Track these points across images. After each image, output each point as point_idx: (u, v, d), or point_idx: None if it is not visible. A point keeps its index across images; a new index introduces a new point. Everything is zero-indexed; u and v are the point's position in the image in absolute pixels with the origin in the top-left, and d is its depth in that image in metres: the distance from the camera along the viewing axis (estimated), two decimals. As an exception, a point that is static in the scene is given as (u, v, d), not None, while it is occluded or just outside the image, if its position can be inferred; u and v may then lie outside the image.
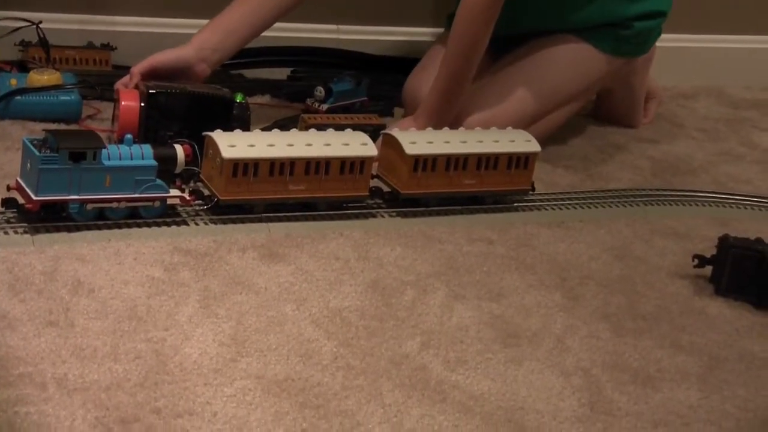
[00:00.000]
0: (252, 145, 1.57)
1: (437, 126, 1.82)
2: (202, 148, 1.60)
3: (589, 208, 1.84)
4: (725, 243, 1.60)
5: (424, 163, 1.69)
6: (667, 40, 2.31)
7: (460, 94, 1.90)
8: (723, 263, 1.59)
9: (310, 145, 1.62)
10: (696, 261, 1.62)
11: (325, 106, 2.01)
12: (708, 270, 1.62)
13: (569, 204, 1.84)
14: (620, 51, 2.07)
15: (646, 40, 2.11)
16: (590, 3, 2.03)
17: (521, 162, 1.76)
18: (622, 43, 2.06)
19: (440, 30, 2.21)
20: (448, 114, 1.90)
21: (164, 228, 1.52)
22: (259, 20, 1.90)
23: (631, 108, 2.30)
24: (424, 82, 2.06)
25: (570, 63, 2.04)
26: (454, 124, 1.89)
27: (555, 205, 1.82)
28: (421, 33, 2.38)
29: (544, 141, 1.89)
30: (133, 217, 1.51)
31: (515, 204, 1.80)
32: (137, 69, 1.80)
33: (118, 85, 1.81)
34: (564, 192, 1.89)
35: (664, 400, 1.31)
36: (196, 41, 1.85)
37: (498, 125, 1.85)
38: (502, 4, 1.85)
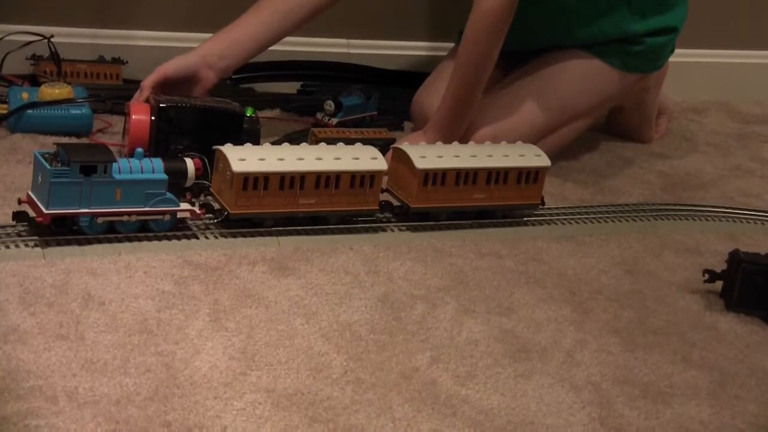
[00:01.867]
0: (262, 159, 1.58)
1: (446, 140, 1.82)
2: (212, 161, 1.61)
3: (599, 222, 1.84)
4: (736, 258, 1.59)
5: (434, 178, 1.69)
6: (677, 55, 2.31)
7: (470, 109, 1.90)
8: (733, 278, 1.59)
9: (320, 159, 1.62)
10: (706, 276, 1.62)
11: (334, 120, 2.01)
12: (718, 285, 1.62)
13: (579, 218, 1.83)
14: (632, 67, 2.07)
15: (658, 57, 2.11)
16: (601, 18, 2.03)
17: (531, 176, 1.76)
18: (633, 58, 2.06)
19: (450, 44, 2.21)
20: (458, 128, 1.90)
21: (174, 241, 1.53)
22: (266, 32, 1.90)
23: (643, 123, 2.30)
24: (433, 96, 2.06)
25: (580, 78, 2.04)
26: (464, 138, 1.89)
27: (565, 219, 1.82)
28: (431, 48, 2.38)
29: (554, 156, 1.90)
30: (143, 230, 1.52)
31: (525, 218, 1.79)
32: (147, 83, 1.81)
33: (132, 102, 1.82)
34: (574, 206, 1.89)
35: (675, 415, 1.31)
36: (201, 49, 1.86)
37: (507, 139, 1.85)
38: (511, 19, 1.86)
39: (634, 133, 2.31)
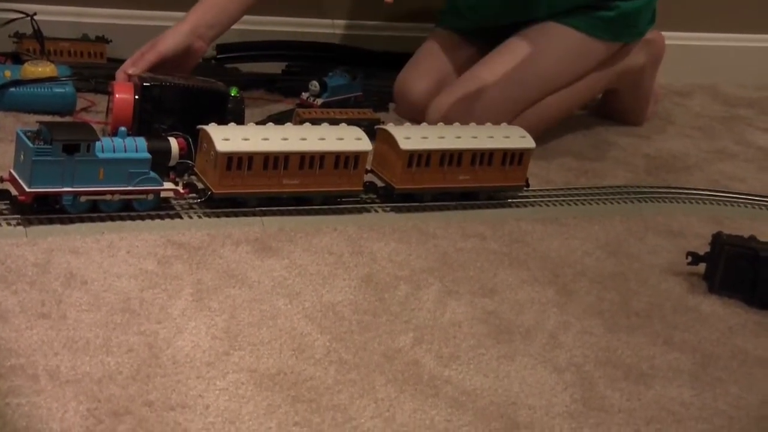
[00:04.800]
0: (246, 139, 1.57)
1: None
2: (196, 141, 1.60)
3: (583, 204, 1.84)
4: (719, 241, 1.60)
5: (418, 159, 1.69)
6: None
7: None
8: (716, 261, 1.60)
9: (304, 139, 1.61)
10: (689, 258, 1.63)
11: (319, 101, 2.01)
12: (701, 267, 1.62)
13: (563, 200, 1.84)
14: (608, 34, 2.05)
15: (635, 23, 2.09)
16: None
17: (516, 158, 1.76)
18: (608, 25, 2.04)
19: (432, 26, 2.21)
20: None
21: (158, 221, 1.52)
22: None
23: (637, 105, 2.29)
24: (415, 77, 2.06)
25: (553, 49, 2.03)
26: (442, 116, 1.88)
27: (549, 201, 1.82)
28: (415, 28, 2.38)
29: (539, 135, 1.89)
30: (126, 209, 1.51)
31: (509, 200, 1.79)
32: (144, 65, 1.79)
33: (119, 72, 1.81)
34: (558, 188, 1.89)
35: (657, 396, 1.32)
36: (191, 20, 1.85)
37: (483, 114, 1.84)
38: None
39: (629, 115, 2.30)
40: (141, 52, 1.83)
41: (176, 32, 1.84)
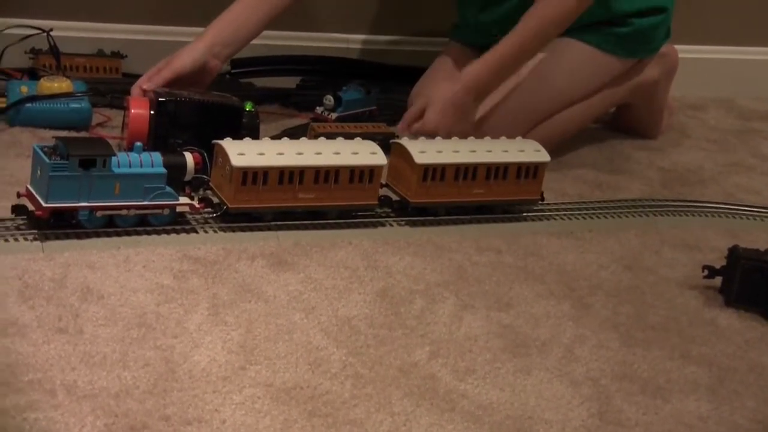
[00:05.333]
0: (261, 154, 1.57)
1: (477, 97, 1.84)
2: (211, 156, 1.60)
3: (599, 218, 1.84)
4: (735, 254, 1.59)
5: (433, 173, 1.69)
6: (677, 51, 2.31)
7: (504, 79, 1.91)
8: (733, 274, 1.59)
9: (319, 153, 1.62)
10: (706, 272, 1.62)
11: (334, 115, 2.01)
12: (718, 281, 1.62)
13: (578, 214, 1.83)
14: (623, 50, 2.06)
15: (650, 39, 2.09)
16: None
17: (531, 172, 1.76)
18: (623, 41, 2.04)
19: (446, 40, 2.21)
20: (490, 89, 1.91)
21: (173, 235, 1.52)
22: (265, 12, 1.91)
23: (651, 118, 2.29)
24: (429, 91, 2.06)
25: (567, 63, 2.03)
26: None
27: (564, 215, 1.82)
28: (430, 43, 2.38)
29: (553, 148, 1.89)
30: (142, 224, 1.51)
31: (524, 214, 1.79)
32: (160, 81, 1.80)
33: (134, 88, 1.82)
34: (573, 202, 1.89)
35: (674, 411, 1.31)
36: (207, 38, 1.86)
37: (495, 128, 1.84)
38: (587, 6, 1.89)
39: (642, 127, 2.30)
40: (157, 68, 1.84)
41: (192, 50, 1.84)
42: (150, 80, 1.81)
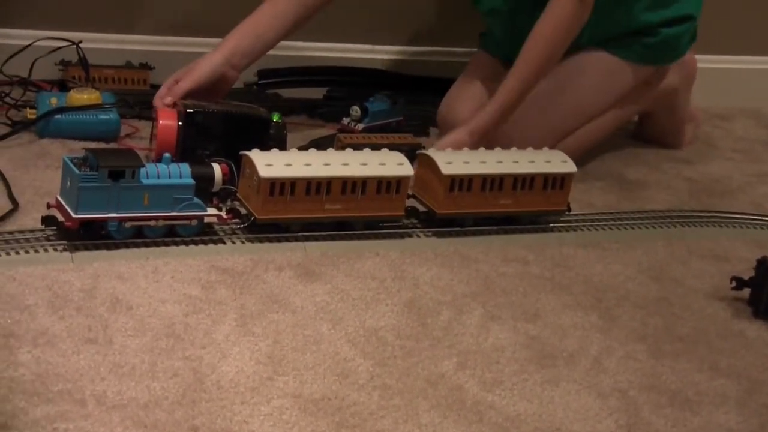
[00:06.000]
0: (289, 165, 1.58)
1: (489, 145, 1.80)
2: (239, 167, 1.61)
3: (626, 229, 1.83)
4: (764, 265, 1.58)
5: (460, 183, 1.69)
6: (702, 61, 2.30)
7: (515, 110, 1.89)
8: (761, 285, 1.58)
9: (346, 164, 1.62)
10: (734, 283, 1.61)
11: (361, 126, 2.02)
12: (746, 292, 1.61)
13: (605, 225, 1.83)
14: (649, 59, 2.05)
15: (676, 47, 2.09)
16: (614, 11, 2.00)
17: (557, 182, 1.76)
18: (650, 51, 2.04)
19: (474, 50, 2.21)
20: (498, 130, 1.89)
21: (201, 246, 1.53)
22: (285, 23, 1.91)
23: (674, 127, 2.28)
24: (459, 102, 2.06)
25: (595, 77, 2.03)
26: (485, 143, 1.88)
27: (591, 225, 1.82)
28: (456, 53, 2.38)
29: (579, 157, 1.89)
30: (170, 235, 1.52)
31: (551, 224, 1.79)
32: (179, 91, 1.81)
33: (157, 100, 1.83)
34: (600, 213, 1.88)
35: (703, 423, 1.30)
36: (226, 48, 1.87)
37: (524, 143, 1.84)
38: (587, 17, 1.85)
39: (666, 137, 2.29)
40: (174, 78, 1.85)
41: (211, 60, 1.85)
42: (170, 91, 1.82)
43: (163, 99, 1.81)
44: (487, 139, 1.86)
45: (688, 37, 2.11)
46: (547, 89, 1.99)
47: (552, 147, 1.94)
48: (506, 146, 1.86)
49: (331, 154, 1.65)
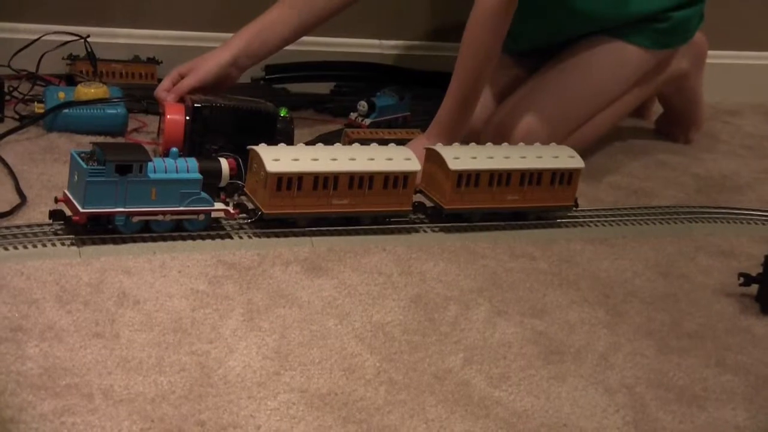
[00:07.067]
0: (296, 159, 1.58)
1: (450, 142, 1.78)
2: (246, 161, 1.61)
3: (633, 224, 1.83)
4: (771, 261, 1.58)
5: (467, 179, 1.69)
6: (711, 57, 2.30)
7: (472, 108, 1.86)
8: (769, 282, 1.58)
9: (353, 159, 1.62)
10: (741, 279, 1.61)
11: (368, 121, 2.02)
12: (754, 288, 1.61)
13: (613, 220, 1.83)
14: (662, 44, 2.05)
15: (687, 29, 2.08)
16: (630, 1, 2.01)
17: (565, 178, 1.76)
18: (662, 36, 2.04)
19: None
20: (461, 129, 1.85)
21: (208, 241, 1.53)
22: (293, 30, 1.91)
23: (690, 107, 2.29)
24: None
25: (609, 65, 2.02)
26: (498, 138, 1.87)
27: (598, 221, 1.82)
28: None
29: (588, 146, 1.88)
30: (177, 229, 1.52)
31: (558, 220, 1.79)
32: (184, 87, 1.81)
33: (159, 91, 1.83)
34: (607, 208, 1.88)
35: (711, 419, 1.30)
36: (234, 46, 1.86)
37: (542, 134, 1.84)
38: (513, 10, 1.81)
39: (687, 122, 2.30)
40: (178, 72, 1.85)
41: (218, 59, 1.85)
42: (174, 87, 1.82)
43: (166, 93, 1.82)
44: (454, 135, 1.83)
45: (697, 19, 2.11)
46: (561, 78, 1.99)
47: (569, 135, 1.94)
48: (524, 135, 1.86)
49: (338, 149, 1.65)
